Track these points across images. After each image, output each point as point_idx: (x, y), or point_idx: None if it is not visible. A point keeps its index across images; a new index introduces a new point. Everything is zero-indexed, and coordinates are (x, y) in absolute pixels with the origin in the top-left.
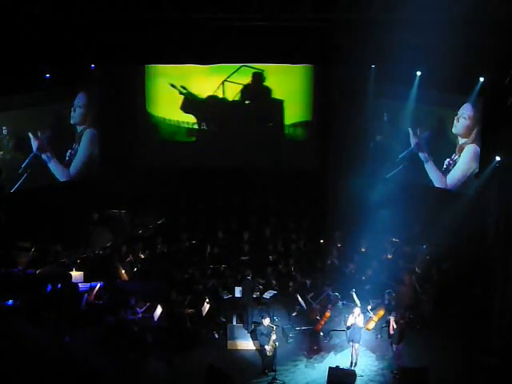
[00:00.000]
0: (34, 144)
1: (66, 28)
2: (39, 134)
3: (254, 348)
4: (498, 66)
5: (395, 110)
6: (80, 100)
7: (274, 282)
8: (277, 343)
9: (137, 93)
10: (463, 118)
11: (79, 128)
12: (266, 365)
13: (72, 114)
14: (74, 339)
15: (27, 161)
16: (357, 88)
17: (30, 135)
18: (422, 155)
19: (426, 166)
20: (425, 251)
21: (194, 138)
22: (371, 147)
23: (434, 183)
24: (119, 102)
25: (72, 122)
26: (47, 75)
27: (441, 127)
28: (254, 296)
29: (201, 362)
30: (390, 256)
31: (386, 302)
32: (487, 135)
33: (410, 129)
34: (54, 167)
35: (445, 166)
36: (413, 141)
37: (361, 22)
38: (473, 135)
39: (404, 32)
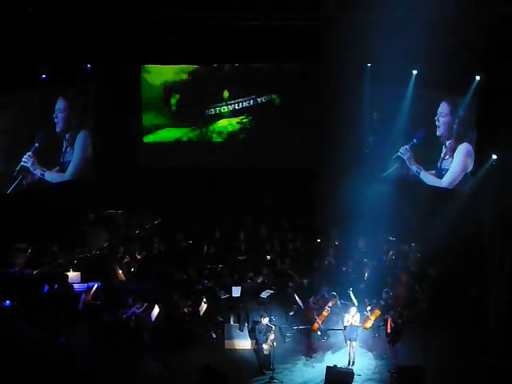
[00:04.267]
0: (29, 161)
1: (61, 28)
2: (32, 150)
3: (252, 347)
4: (493, 64)
5: (389, 108)
6: (61, 105)
7: (270, 282)
8: (275, 343)
9: (132, 93)
10: (442, 116)
11: (67, 134)
12: (263, 364)
13: (55, 120)
14: (71, 339)
15: (19, 167)
16: (352, 87)
17: (27, 155)
18: (413, 168)
19: (420, 175)
20: (415, 249)
21: (190, 138)
22: (365, 146)
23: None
24: (115, 102)
25: (58, 130)
26: (43, 76)
27: (433, 126)
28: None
29: (198, 362)
30: (390, 255)
31: (383, 301)
32: (483, 134)
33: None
34: (50, 177)
35: (438, 168)
36: (404, 156)
37: (356, 21)
38: (461, 134)
39: (400, 31)
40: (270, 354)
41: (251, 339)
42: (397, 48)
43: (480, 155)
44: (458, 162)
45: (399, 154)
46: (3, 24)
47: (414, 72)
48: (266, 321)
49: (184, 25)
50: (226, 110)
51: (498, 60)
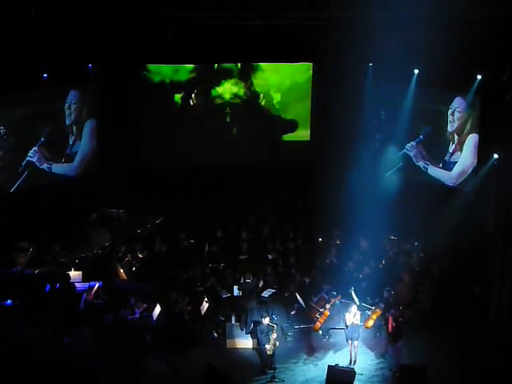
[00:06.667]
0: (35, 156)
1: (63, 28)
2: (38, 144)
3: (253, 347)
4: (495, 63)
5: (393, 107)
6: (73, 97)
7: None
8: (277, 342)
9: (134, 92)
10: (458, 111)
11: (75, 125)
12: (264, 363)
13: (67, 112)
14: (72, 339)
15: (25, 162)
16: (355, 86)
17: (33, 150)
18: (421, 164)
19: (428, 171)
20: (418, 248)
21: (192, 137)
22: (373, 145)
23: (442, 182)
24: (116, 101)
25: (68, 122)
26: (45, 75)
27: (438, 124)
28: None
29: (200, 362)
30: (383, 264)
31: (384, 300)
32: (485, 133)
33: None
34: (57, 169)
35: (446, 162)
36: (411, 152)
37: (358, 21)
38: (470, 127)
39: (401, 30)
40: (272, 353)
41: (252, 339)
42: (399, 47)
43: (482, 154)
44: (467, 152)
45: (405, 150)
46: (6, 25)
47: (416, 71)
48: (267, 321)
49: (185, 24)
50: (229, 114)
51: (500, 59)
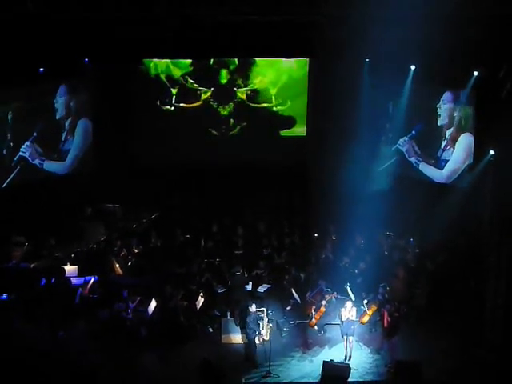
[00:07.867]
0: (27, 151)
1: (59, 24)
2: (30, 139)
3: (243, 341)
4: (491, 60)
5: (389, 103)
6: (62, 90)
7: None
8: (271, 324)
9: (131, 88)
10: (444, 103)
11: (67, 121)
12: (253, 357)
13: (56, 106)
14: (67, 334)
15: (17, 157)
16: (351, 82)
17: (25, 145)
18: (413, 160)
19: (420, 167)
20: (413, 244)
21: (188, 134)
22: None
23: (433, 179)
24: (112, 98)
25: (57, 116)
26: (41, 69)
27: (432, 120)
28: (248, 290)
29: (195, 357)
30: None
31: (380, 295)
32: (481, 129)
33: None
34: (48, 166)
35: (438, 159)
36: (403, 147)
37: (356, 17)
38: (462, 124)
39: (398, 27)
40: (267, 345)
41: (242, 334)
42: (396, 43)
43: (478, 150)
44: (460, 151)
45: (398, 145)
46: (2, 20)
47: (412, 67)
48: (253, 308)
49: (182, 20)
50: (225, 110)
51: (496, 55)
